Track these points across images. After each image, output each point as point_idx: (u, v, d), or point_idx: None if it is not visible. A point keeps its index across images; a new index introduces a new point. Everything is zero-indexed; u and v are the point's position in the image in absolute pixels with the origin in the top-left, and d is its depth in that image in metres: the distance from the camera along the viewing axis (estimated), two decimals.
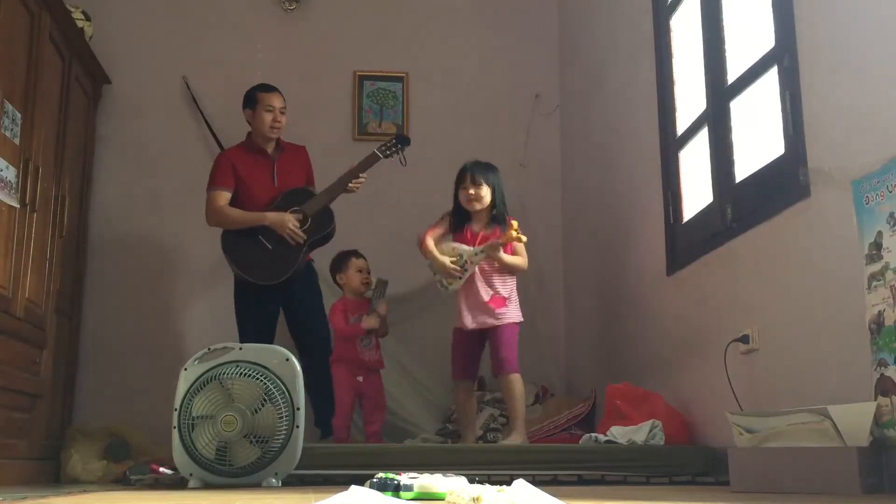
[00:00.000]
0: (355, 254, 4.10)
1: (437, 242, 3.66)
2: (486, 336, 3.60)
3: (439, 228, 3.70)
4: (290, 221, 3.91)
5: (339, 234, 4.11)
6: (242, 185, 4.01)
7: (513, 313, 3.57)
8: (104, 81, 4.81)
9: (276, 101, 4.06)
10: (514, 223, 3.48)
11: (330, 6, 5.24)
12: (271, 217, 3.92)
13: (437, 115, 5.15)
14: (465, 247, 3.58)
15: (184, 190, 4.78)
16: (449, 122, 5.14)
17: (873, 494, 1.95)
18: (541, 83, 5.26)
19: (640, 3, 3.88)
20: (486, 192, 3.59)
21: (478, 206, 3.60)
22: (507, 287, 3.58)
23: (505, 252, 3.54)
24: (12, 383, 3.45)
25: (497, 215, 3.63)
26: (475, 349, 3.67)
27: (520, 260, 3.61)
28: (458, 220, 3.68)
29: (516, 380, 3.50)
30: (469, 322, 3.54)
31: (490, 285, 3.55)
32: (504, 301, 3.55)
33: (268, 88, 4.11)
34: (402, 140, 4.10)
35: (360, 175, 4.04)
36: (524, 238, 3.49)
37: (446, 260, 3.57)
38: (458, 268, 3.55)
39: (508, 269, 3.58)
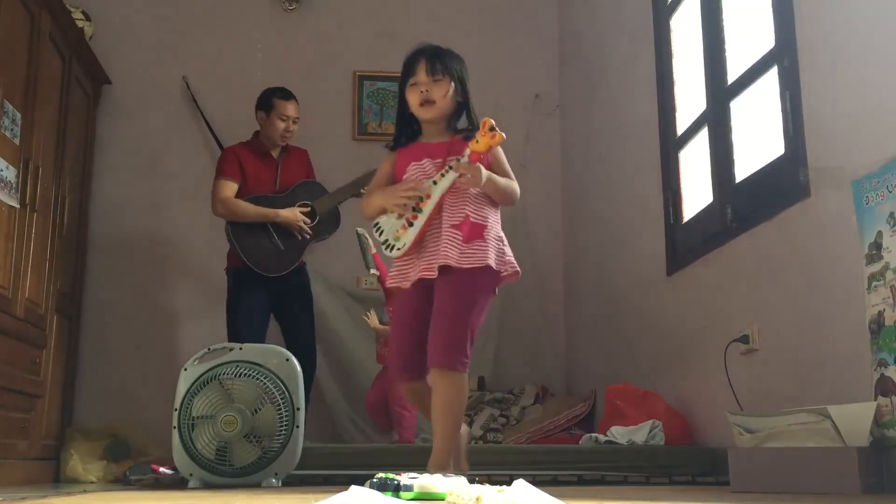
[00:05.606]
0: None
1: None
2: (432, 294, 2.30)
3: (382, 174, 2.48)
4: (301, 217, 3.95)
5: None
6: (244, 184, 4.01)
7: (491, 253, 2.28)
8: (104, 81, 4.80)
9: (291, 111, 4.04)
10: (490, 121, 2.24)
11: (330, 6, 5.24)
12: (285, 214, 3.93)
13: None
14: (425, 181, 2.34)
15: (184, 190, 4.79)
16: None
17: (873, 494, 1.95)
18: (541, 83, 5.26)
19: (640, 3, 3.88)
20: (448, 91, 2.39)
21: (434, 113, 2.38)
22: (484, 214, 2.34)
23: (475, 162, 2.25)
24: (12, 383, 3.45)
25: (461, 125, 2.44)
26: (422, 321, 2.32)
27: (512, 184, 2.39)
28: (407, 135, 2.46)
29: (461, 381, 2.25)
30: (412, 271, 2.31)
31: (458, 209, 2.31)
32: (482, 230, 2.30)
33: (285, 96, 4.06)
34: None
35: None
36: (503, 135, 2.23)
37: (395, 192, 2.34)
38: (412, 198, 2.31)
39: (490, 200, 2.36)
